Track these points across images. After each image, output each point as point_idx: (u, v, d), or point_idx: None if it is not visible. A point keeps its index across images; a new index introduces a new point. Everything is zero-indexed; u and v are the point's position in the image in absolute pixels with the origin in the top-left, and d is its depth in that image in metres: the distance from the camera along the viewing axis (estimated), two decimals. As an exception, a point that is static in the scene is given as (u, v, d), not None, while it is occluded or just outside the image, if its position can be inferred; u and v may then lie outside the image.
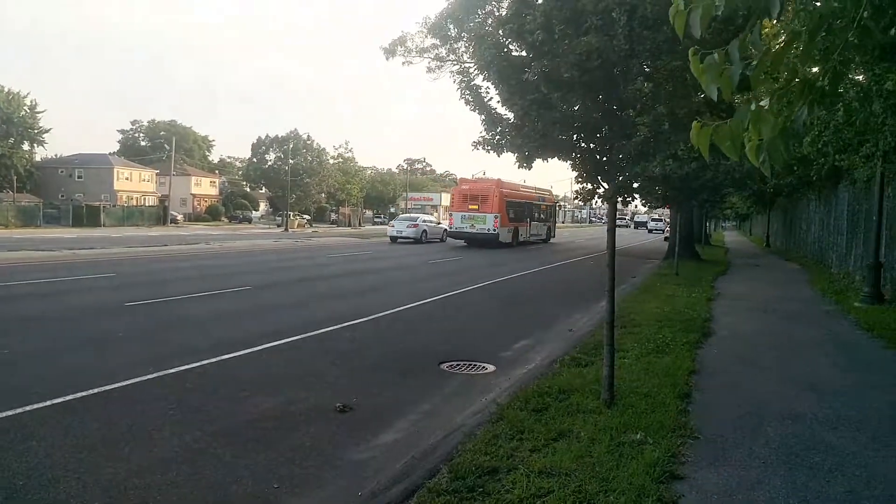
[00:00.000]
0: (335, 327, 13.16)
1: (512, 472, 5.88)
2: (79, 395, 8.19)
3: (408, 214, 61.15)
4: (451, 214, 45.33)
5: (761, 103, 2.91)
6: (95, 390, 8.38)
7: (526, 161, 7.72)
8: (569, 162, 7.72)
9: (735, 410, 8.05)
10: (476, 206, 42.80)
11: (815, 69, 3.10)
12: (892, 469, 6.34)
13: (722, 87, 2.79)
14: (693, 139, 2.95)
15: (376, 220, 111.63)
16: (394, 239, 44.98)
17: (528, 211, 48.24)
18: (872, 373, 10.42)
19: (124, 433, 7.06)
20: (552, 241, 53.37)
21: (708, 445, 6.77)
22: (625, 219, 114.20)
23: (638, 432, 6.81)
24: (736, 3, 2.79)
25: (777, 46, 2.92)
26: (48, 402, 7.84)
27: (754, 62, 2.80)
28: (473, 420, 7.50)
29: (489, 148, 7.87)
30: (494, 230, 42.02)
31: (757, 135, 2.85)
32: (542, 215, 51.95)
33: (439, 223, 50.30)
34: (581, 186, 7.86)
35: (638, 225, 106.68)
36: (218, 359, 10.23)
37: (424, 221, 47.87)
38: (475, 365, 10.54)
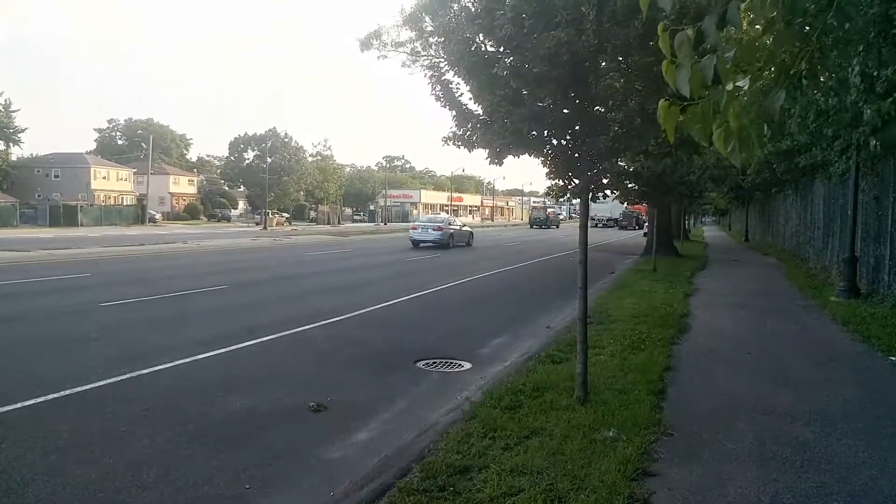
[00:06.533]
0: (312, 325, 13.11)
1: (483, 470, 5.84)
2: (50, 396, 8.10)
3: (432, 216, 59.86)
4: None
5: (739, 84, 2.75)
6: (67, 392, 8.29)
7: (497, 157, 7.67)
8: (540, 158, 7.70)
9: (709, 406, 8.07)
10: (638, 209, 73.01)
11: (790, 55, 2.95)
12: (862, 462, 6.36)
13: (692, 82, 2.63)
14: (660, 118, 2.80)
15: (355, 217, 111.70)
16: (417, 244, 40.95)
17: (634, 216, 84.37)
18: (846, 367, 10.46)
19: (95, 435, 6.98)
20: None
21: (681, 441, 6.77)
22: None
23: (611, 429, 6.79)
24: None
25: (748, 36, 2.81)
26: (19, 405, 7.75)
27: (727, 53, 2.63)
28: (447, 418, 7.47)
29: (459, 144, 7.82)
30: (644, 218, 74.69)
31: (732, 120, 2.69)
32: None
33: (464, 226, 47.69)
34: (553, 183, 7.86)
35: None
36: (192, 359, 10.15)
37: (450, 225, 44.27)
38: (451, 362, 10.52)
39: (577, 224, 7.86)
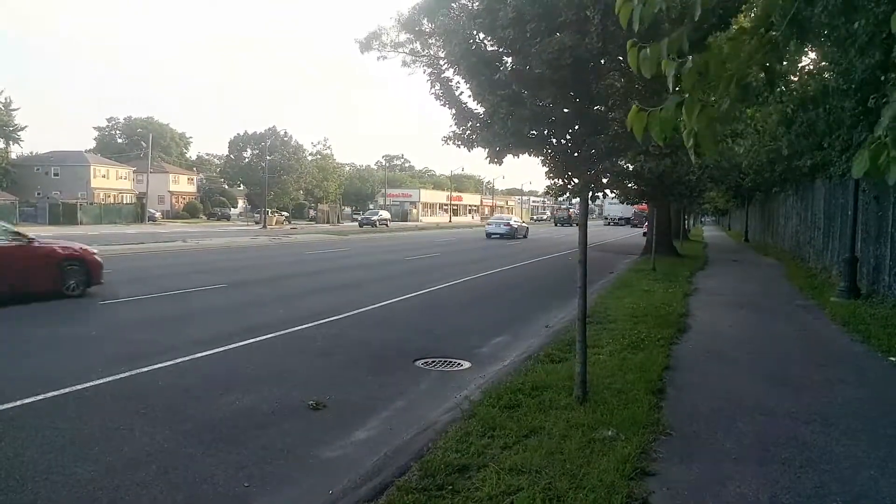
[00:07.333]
0: (311, 324, 13.09)
1: (482, 469, 5.84)
2: (49, 394, 8.10)
3: (500, 215, 75.76)
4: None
5: (687, 95, 3.14)
6: (66, 390, 8.29)
7: (497, 157, 7.66)
8: (540, 157, 7.69)
9: (708, 406, 8.06)
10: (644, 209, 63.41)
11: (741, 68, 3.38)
12: (861, 463, 6.36)
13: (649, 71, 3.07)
14: (629, 121, 3.20)
15: (355, 216, 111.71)
16: (489, 235, 53.74)
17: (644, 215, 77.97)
18: (845, 368, 10.44)
19: (94, 433, 6.97)
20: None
21: (680, 441, 6.77)
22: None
23: (610, 429, 6.80)
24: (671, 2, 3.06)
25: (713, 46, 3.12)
26: (18, 402, 7.75)
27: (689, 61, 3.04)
28: (446, 417, 7.46)
29: (459, 143, 7.80)
30: (644, 214, 70.31)
31: (689, 122, 3.08)
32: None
33: (523, 223, 63.73)
34: (552, 182, 7.85)
35: None
36: (191, 357, 10.15)
37: (515, 221, 60.31)
38: (450, 361, 10.52)
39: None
